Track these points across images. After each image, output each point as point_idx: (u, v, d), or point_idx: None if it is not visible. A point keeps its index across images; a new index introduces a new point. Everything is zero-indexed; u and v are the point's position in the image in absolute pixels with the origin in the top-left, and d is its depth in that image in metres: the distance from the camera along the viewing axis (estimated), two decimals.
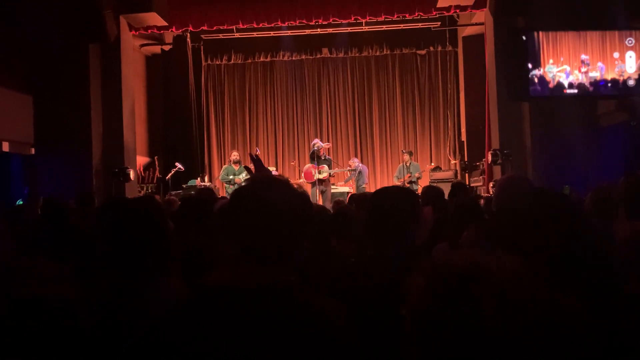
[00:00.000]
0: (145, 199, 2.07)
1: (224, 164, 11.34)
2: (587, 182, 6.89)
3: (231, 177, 10.21)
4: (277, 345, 1.19)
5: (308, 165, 10.52)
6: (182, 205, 3.23)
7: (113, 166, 9.56)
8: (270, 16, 10.67)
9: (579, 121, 8.56)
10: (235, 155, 10.63)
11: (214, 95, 13.91)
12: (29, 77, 9.53)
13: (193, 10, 10.72)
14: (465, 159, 12.23)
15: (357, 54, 13.73)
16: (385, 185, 4.20)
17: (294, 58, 13.80)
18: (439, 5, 10.16)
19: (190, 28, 10.96)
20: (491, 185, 8.95)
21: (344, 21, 11.19)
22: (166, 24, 10.52)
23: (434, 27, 12.45)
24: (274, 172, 9.60)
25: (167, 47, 12.93)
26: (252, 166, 5.67)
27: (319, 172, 10.21)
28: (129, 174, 9.56)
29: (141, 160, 12.01)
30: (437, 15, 10.98)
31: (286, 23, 10.92)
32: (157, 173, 12.05)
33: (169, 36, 12.59)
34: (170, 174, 10.99)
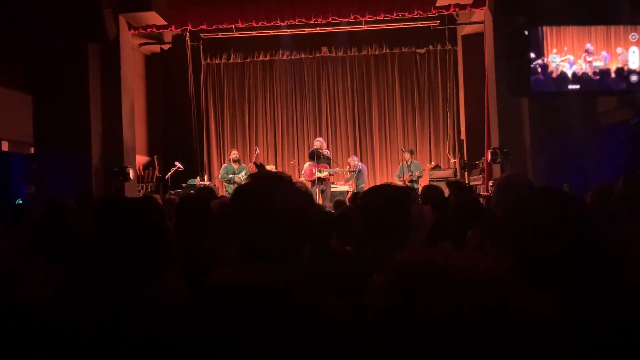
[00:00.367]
0: (145, 199, 2.07)
1: (224, 163, 11.33)
2: (586, 181, 6.89)
3: (231, 176, 10.20)
4: (278, 345, 1.18)
5: (308, 164, 10.51)
6: (182, 205, 3.22)
7: (112, 165, 9.57)
8: (269, 15, 10.67)
9: (579, 120, 8.54)
10: (234, 154, 10.61)
11: (213, 94, 13.91)
12: (28, 76, 9.53)
13: (192, 9, 10.71)
14: (465, 158, 12.23)
15: (356, 53, 13.72)
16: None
17: (293, 57, 13.80)
18: (438, 3, 10.15)
19: (190, 27, 10.96)
20: (490, 184, 8.95)
21: (343, 20, 11.19)
22: (165, 23, 10.51)
23: (433, 26, 12.45)
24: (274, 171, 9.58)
25: (166, 46, 12.92)
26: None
27: (320, 171, 10.20)
28: (128, 173, 9.56)
29: (140, 159, 12.00)
30: (437, 14, 10.98)
31: (285, 22, 10.91)
32: (156, 172, 12.05)
33: (168, 35, 12.58)
34: (169, 173, 10.99)
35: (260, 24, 10.85)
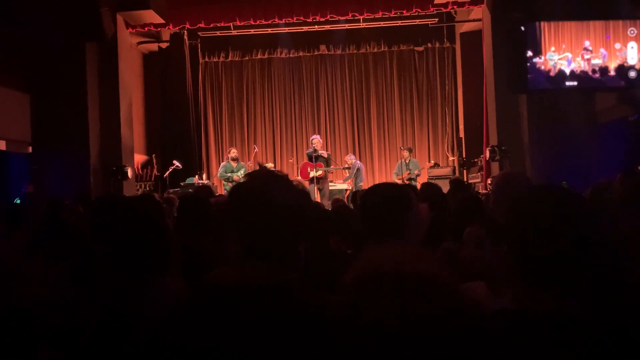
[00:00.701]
0: (144, 198, 2.06)
1: (222, 161, 11.32)
2: (585, 179, 6.89)
3: (229, 174, 10.20)
4: (278, 345, 1.19)
5: (304, 163, 10.52)
6: (181, 204, 3.22)
7: (111, 164, 9.56)
8: (267, 13, 10.66)
9: (578, 117, 8.54)
10: (233, 152, 10.59)
11: (211, 93, 13.89)
12: (26, 75, 9.51)
13: (190, 7, 10.69)
14: (464, 156, 12.23)
15: (354, 51, 13.71)
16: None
17: (291, 55, 13.78)
18: (436, 1, 10.14)
19: (188, 25, 10.93)
20: (489, 181, 8.96)
21: (341, 18, 11.17)
22: (163, 21, 10.50)
23: (431, 24, 12.44)
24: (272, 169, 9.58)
25: (164, 45, 12.90)
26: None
27: (315, 170, 10.18)
28: (126, 172, 9.56)
29: (139, 158, 11.99)
30: (435, 12, 10.98)
31: (283, 20, 10.91)
32: (154, 171, 12.04)
33: (166, 34, 12.57)
34: (168, 172, 10.98)
35: (258, 22, 10.84)
